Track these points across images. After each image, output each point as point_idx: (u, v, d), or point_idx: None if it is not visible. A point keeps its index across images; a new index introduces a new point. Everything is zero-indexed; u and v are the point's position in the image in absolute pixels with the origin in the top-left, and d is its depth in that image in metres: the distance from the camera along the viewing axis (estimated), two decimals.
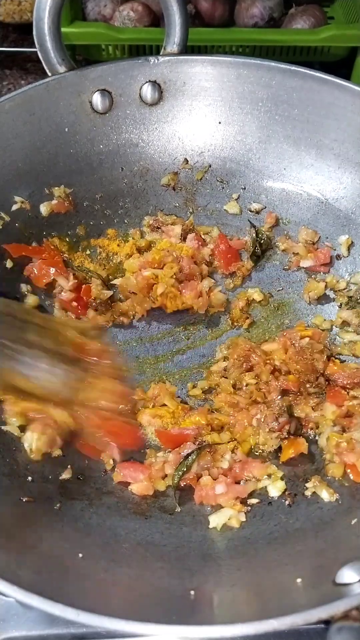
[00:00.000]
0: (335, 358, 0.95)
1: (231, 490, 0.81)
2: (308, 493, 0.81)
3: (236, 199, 1.10)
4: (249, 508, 0.81)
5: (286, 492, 0.82)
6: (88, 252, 1.06)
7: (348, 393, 0.91)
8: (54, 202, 1.03)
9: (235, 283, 1.05)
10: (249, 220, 1.07)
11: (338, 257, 1.03)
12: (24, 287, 0.99)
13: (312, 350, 0.92)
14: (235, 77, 1.05)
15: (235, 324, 1.02)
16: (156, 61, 1.04)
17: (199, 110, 1.08)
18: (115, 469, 0.85)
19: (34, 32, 0.98)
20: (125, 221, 1.09)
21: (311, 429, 0.89)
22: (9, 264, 0.98)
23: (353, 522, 0.75)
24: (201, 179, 1.10)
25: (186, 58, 1.05)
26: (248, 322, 1.01)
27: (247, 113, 1.07)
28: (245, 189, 1.09)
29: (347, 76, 1.40)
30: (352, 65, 1.40)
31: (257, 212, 1.08)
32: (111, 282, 1.02)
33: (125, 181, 1.09)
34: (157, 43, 1.24)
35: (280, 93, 1.03)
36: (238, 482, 0.83)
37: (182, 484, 0.83)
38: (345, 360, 0.96)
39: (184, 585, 0.67)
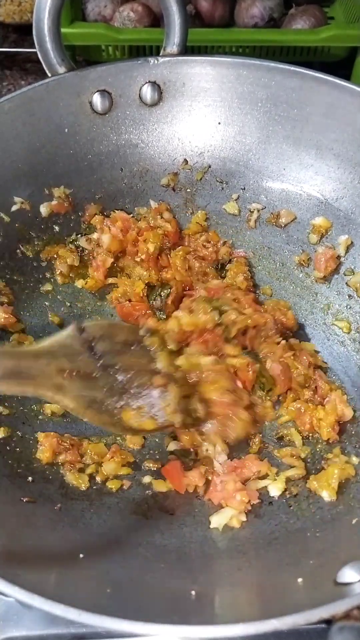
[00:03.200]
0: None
1: (246, 495, 0.80)
2: (308, 493, 0.81)
3: (236, 200, 1.10)
4: (250, 508, 0.81)
5: (286, 492, 0.82)
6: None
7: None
8: (54, 202, 1.03)
9: None
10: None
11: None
12: None
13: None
14: (235, 77, 1.04)
15: None
16: (156, 62, 1.04)
17: (198, 111, 1.08)
18: None
19: (34, 33, 0.98)
20: None
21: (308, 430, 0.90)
22: None
23: (354, 521, 0.74)
24: (201, 179, 1.10)
25: (186, 59, 1.05)
26: None
27: (247, 113, 1.06)
28: (244, 189, 1.09)
29: (347, 76, 1.40)
30: (352, 66, 1.40)
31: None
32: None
33: (125, 182, 1.09)
34: (157, 44, 1.24)
35: (280, 93, 1.03)
36: (244, 482, 0.83)
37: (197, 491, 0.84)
38: None
39: (185, 585, 0.67)
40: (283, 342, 0.95)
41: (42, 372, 0.73)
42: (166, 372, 0.84)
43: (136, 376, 0.81)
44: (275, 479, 0.84)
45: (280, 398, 0.94)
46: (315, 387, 0.92)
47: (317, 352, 0.99)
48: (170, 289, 1.01)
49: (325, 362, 0.98)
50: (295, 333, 1.02)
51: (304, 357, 0.94)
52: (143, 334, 0.87)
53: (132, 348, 0.84)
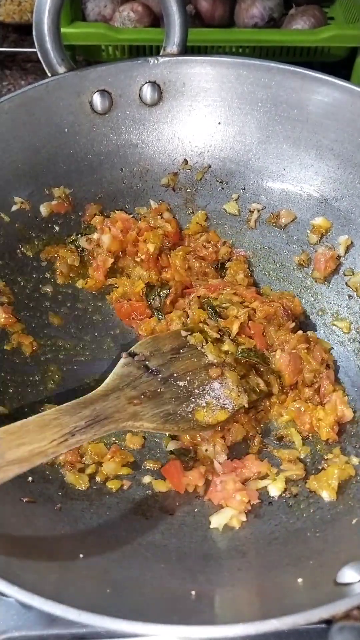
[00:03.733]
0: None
1: (246, 495, 0.80)
2: (308, 493, 0.81)
3: (236, 200, 1.10)
4: (250, 508, 0.81)
5: (286, 492, 0.82)
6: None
7: None
8: (54, 202, 1.03)
9: None
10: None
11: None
12: None
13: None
14: (235, 77, 1.05)
15: None
16: (156, 62, 1.04)
17: (198, 111, 1.08)
18: None
19: (34, 33, 0.98)
20: None
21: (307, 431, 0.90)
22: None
23: (354, 521, 0.74)
24: (201, 179, 1.10)
25: (186, 59, 1.05)
26: None
27: (247, 114, 1.07)
28: (244, 189, 1.09)
29: (347, 76, 1.40)
30: (352, 66, 1.40)
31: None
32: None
33: (125, 182, 1.09)
34: (156, 43, 1.24)
35: (280, 93, 1.03)
36: (244, 482, 0.83)
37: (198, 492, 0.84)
38: None
39: (185, 586, 0.67)
40: (300, 332, 0.95)
41: (116, 408, 0.78)
42: (218, 361, 0.88)
43: (194, 376, 0.86)
44: (275, 479, 0.84)
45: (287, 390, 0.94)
46: (319, 386, 0.92)
47: (331, 348, 0.98)
48: (170, 289, 1.01)
49: (336, 362, 0.97)
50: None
51: (317, 353, 0.93)
52: (185, 334, 0.92)
53: (181, 352, 0.89)
